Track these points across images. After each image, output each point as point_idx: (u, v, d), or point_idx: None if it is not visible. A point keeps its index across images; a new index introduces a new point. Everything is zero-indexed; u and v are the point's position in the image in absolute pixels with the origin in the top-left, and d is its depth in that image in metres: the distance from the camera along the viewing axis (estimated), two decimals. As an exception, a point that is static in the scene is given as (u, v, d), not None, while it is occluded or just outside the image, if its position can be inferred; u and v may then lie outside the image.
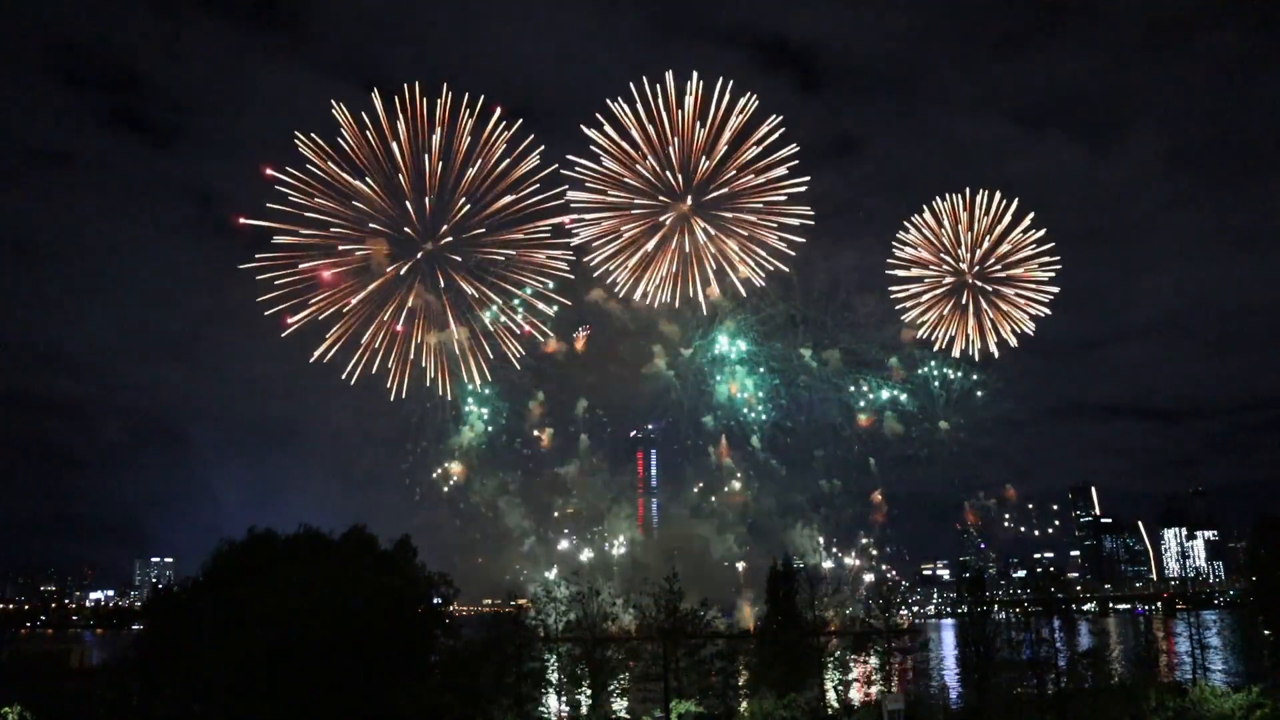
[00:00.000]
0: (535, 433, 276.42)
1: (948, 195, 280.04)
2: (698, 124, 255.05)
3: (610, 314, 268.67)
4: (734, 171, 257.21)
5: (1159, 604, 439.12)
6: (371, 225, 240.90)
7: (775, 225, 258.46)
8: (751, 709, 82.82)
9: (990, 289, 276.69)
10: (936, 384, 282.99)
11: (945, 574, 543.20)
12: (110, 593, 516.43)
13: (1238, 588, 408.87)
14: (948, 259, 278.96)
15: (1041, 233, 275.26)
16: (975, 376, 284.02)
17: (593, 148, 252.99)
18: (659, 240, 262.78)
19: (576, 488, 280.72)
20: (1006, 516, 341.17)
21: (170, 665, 63.93)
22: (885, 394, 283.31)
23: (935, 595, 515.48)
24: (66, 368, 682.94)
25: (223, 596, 63.30)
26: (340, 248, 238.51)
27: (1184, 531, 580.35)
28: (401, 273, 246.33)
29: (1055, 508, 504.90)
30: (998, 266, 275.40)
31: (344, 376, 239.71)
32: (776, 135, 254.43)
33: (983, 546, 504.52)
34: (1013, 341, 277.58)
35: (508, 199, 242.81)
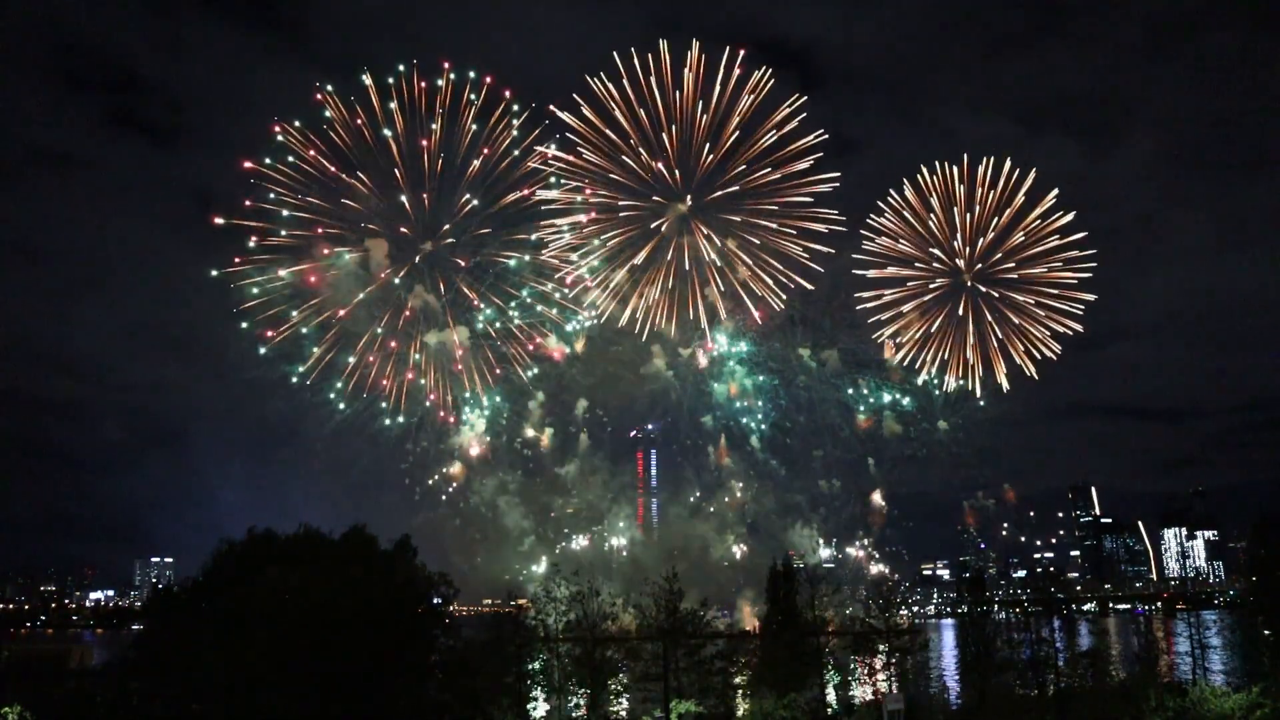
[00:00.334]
0: (534, 433, 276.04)
1: (937, 166, 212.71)
2: (699, 106, 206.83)
3: (609, 315, 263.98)
4: (744, 165, 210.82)
5: (1159, 604, 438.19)
6: (364, 224, 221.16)
7: (797, 232, 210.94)
8: (751, 709, 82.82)
9: (997, 294, 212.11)
10: (936, 390, 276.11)
11: (945, 574, 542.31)
12: (110, 593, 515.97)
13: (1238, 588, 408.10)
14: (938, 254, 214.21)
15: (1068, 218, 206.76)
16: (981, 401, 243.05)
17: (569, 135, 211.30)
18: (651, 251, 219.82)
19: (576, 488, 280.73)
20: (1005, 523, 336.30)
21: (170, 665, 63.83)
22: (885, 396, 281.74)
23: (935, 595, 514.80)
24: (66, 368, 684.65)
25: (223, 596, 63.28)
26: (325, 252, 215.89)
27: (1184, 531, 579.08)
28: (397, 280, 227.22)
29: (1056, 510, 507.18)
30: (1009, 265, 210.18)
31: (331, 397, 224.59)
32: (797, 121, 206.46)
33: (983, 546, 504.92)
34: (1029, 369, 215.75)
35: (515, 195, 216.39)
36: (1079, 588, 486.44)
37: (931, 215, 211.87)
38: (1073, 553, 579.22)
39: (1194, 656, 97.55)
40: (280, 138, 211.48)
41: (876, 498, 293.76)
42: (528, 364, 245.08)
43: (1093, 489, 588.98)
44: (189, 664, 61.50)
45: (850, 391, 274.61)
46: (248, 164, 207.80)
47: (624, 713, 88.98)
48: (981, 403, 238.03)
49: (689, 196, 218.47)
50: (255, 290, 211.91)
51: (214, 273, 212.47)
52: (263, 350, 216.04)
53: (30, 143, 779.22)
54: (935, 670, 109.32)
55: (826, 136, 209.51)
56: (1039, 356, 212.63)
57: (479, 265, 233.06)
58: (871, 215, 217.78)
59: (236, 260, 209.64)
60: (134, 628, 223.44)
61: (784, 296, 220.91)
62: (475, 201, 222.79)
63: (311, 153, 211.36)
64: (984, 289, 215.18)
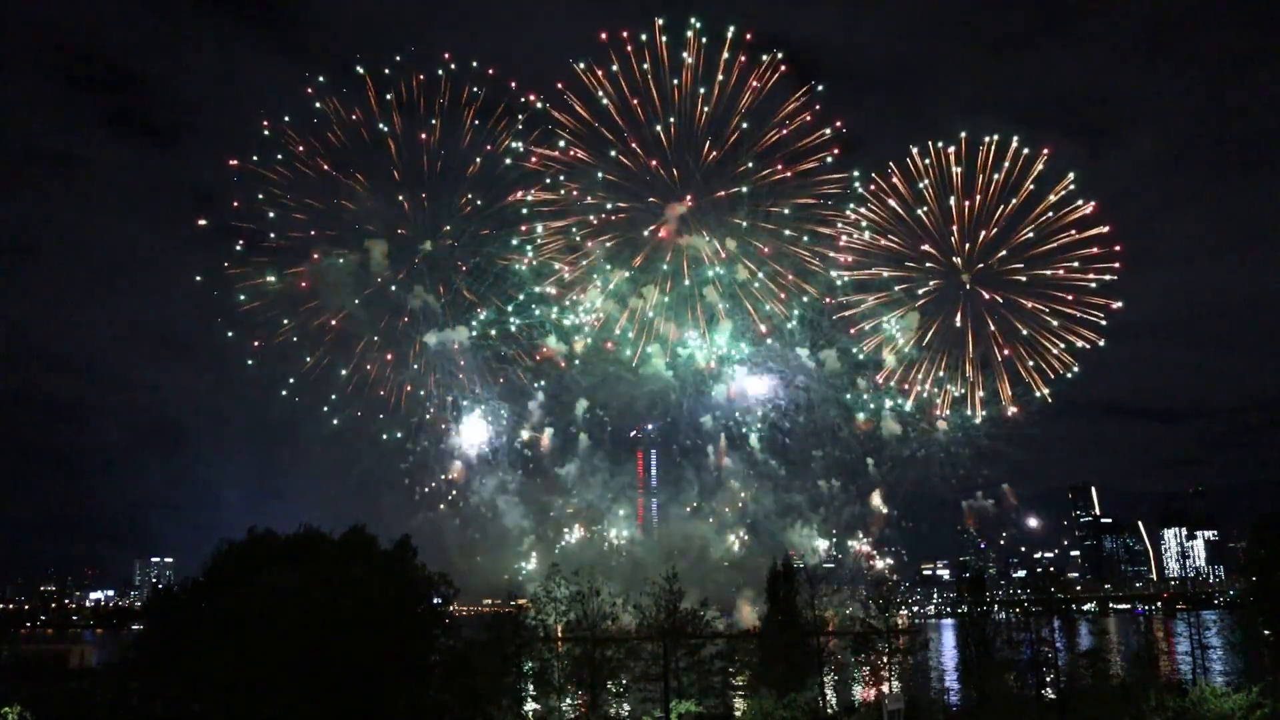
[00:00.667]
0: (533, 433, 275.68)
1: (929, 143, 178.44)
2: (699, 87, 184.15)
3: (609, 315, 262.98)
4: (750, 165, 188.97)
5: (1159, 604, 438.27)
6: (363, 225, 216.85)
7: (810, 238, 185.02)
8: (751, 709, 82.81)
9: (1003, 299, 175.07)
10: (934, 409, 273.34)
11: (945, 574, 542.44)
12: (110, 593, 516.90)
13: (1238, 588, 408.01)
14: (931, 250, 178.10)
15: (1089, 208, 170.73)
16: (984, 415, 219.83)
17: (559, 131, 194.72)
18: (646, 259, 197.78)
19: (576, 488, 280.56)
20: (1004, 524, 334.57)
21: (170, 665, 63.81)
22: (887, 401, 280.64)
23: (935, 595, 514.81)
24: (66, 368, 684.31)
25: (222, 596, 63.26)
26: (314, 257, 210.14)
27: (1184, 531, 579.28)
28: (394, 286, 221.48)
29: (1056, 510, 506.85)
30: (1016, 264, 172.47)
31: (333, 398, 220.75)
32: (809, 115, 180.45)
33: (983, 546, 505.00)
34: (1042, 391, 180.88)
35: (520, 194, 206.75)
36: (1079, 588, 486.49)
37: (923, 204, 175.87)
38: (1073, 553, 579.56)
39: (1194, 656, 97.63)
40: (267, 133, 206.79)
41: (876, 498, 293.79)
42: (527, 364, 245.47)
43: (1092, 489, 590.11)
44: (189, 664, 61.44)
45: (849, 397, 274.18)
46: (232, 162, 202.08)
47: (624, 713, 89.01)
48: (977, 420, 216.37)
49: (689, 195, 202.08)
50: (243, 296, 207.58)
51: (198, 278, 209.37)
52: (249, 362, 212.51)
53: (30, 143, 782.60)
54: (935, 670, 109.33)
55: (845, 130, 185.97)
56: (1053, 375, 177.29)
57: (478, 266, 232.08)
58: (851, 205, 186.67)
59: (225, 265, 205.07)
60: (134, 628, 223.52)
61: (795, 310, 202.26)
62: (478, 201, 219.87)
63: (301, 148, 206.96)
64: (986, 293, 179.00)
